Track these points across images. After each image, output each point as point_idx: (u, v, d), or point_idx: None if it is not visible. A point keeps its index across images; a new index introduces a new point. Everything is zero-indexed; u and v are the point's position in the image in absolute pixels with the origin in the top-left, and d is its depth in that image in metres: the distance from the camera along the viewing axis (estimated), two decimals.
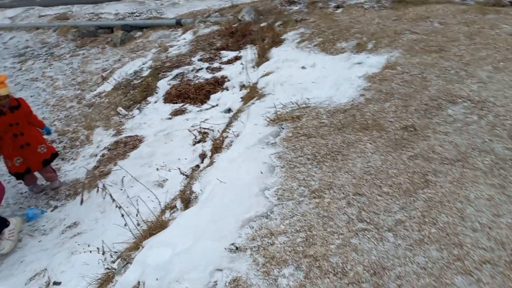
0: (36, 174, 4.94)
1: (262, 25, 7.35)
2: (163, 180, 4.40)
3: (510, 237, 2.30)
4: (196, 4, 10.67)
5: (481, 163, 2.93)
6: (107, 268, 2.89)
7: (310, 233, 2.48)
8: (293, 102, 4.15)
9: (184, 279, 2.31)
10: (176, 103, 5.96)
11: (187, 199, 3.39)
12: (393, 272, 2.16)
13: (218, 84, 6.07)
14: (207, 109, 5.63)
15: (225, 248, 2.46)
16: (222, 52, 7.02)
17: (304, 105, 4.08)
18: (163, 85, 6.41)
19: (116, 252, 3.16)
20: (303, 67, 5.03)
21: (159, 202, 3.41)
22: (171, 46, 7.90)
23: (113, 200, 2.87)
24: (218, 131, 4.61)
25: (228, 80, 6.06)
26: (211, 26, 8.21)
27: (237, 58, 6.63)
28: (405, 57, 4.77)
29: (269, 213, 2.72)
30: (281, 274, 2.24)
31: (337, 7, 7.33)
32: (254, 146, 3.52)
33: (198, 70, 6.57)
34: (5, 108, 4.37)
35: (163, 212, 3.43)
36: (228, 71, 6.30)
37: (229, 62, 6.62)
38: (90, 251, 3.07)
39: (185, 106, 5.82)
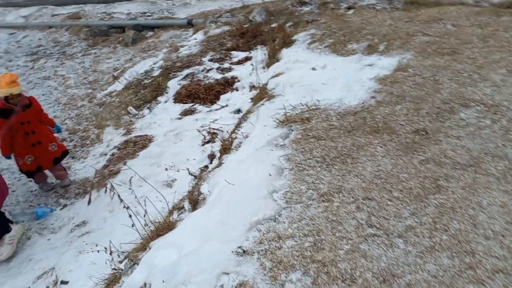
0: (46, 172, 4.98)
1: (273, 25, 7.32)
2: (172, 180, 4.40)
3: None
4: (208, 4, 10.69)
5: (494, 169, 2.87)
6: (114, 269, 2.89)
7: (319, 238, 2.45)
8: (303, 103, 4.12)
9: (191, 282, 2.30)
10: (186, 103, 5.96)
11: (195, 200, 3.38)
12: (403, 280, 2.12)
13: (228, 84, 6.06)
14: (216, 109, 5.62)
15: (232, 251, 2.44)
16: (232, 52, 7.02)
17: (314, 107, 4.05)
18: (174, 85, 6.42)
19: (123, 252, 3.17)
20: (313, 68, 4.99)
21: (167, 202, 3.40)
22: (182, 46, 7.92)
23: (121, 200, 2.87)
24: (227, 131, 4.60)
25: (238, 81, 6.05)
26: (222, 27, 8.21)
27: (247, 59, 6.61)
28: (417, 59, 4.71)
29: (277, 216, 2.69)
30: (288, 279, 2.21)
31: (349, 8, 7.27)
32: (263, 147, 3.49)
33: (208, 71, 6.57)
34: (17, 107, 4.41)
35: (171, 212, 3.43)
36: (238, 71, 6.29)
37: (240, 62, 6.61)
38: (98, 251, 3.08)
39: (194, 106, 5.82)
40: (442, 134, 3.32)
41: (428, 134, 3.34)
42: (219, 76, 6.33)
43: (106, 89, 7.17)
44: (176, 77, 6.63)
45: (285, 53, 5.83)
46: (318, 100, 4.14)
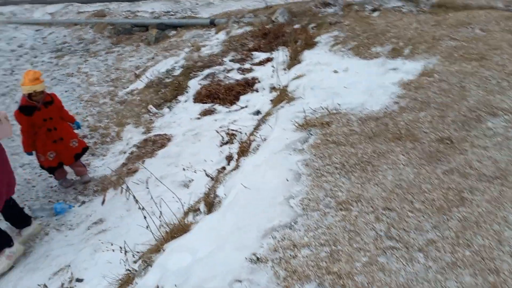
0: (66, 168, 5.05)
1: (295, 27, 7.26)
2: (189, 181, 4.39)
3: None
4: (231, 4, 10.70)
5: None
6: (128, 269, 2.88)
7: (335, 248, 2.38)
8: (323, 107, 4.04)
9: None
10: (206, 103, 5.96)
11: (211, 202, 3.35)
12: None
13: (248, 85, 6.03)
14: (236, 110, 5.60)
15: (246, 258, 2.39)
16: (254, 53, 6.98)
17: (334, 111, 3.97)
18: (194, 84, 6.43)
19: (138, 252, 3.16)
20: (335, 71, 4.90)
21: (182, 204, 3.38)
22: (203, 46, 7.92)
23: (136, 201, 2.86)
24: (246, 133, 4.56)
25: (259, 82, 6.01)
26: (244, 27, 8.18)
27: (268, 60, 6.57)
28: (443, 65, 4.57)
29: (293, 223, 2.63)
30: None
31: (374, 10, 7.14)
32: (281, 151, 3.44)
33: (229, 71, 6.56)
34: (39, 104, 4.47)
35: (186, 214, 3.40)
36: (259, 72, 6.25)
37: (261, 63, 6.57)
38: (113, 250, 3.08)
39: (214, 107, 5.81)
40: (468, 143, 3.20)
41: (453, 143, 3.22)
42: (239, 76, 6.30)
43: (128, 87, 7.23)
44: (197, 76, 6.64)
45: (307, 55, 5.76)
46: (339, 104, 4.06)
